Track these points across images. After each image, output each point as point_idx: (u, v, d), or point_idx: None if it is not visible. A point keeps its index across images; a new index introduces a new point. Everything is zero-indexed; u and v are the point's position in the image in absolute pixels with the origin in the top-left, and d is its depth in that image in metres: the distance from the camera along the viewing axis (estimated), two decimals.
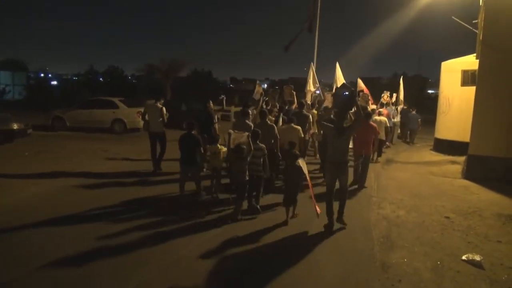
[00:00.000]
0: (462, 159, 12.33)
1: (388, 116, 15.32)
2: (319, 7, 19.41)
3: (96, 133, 17.51)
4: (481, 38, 11.08)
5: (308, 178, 6.83)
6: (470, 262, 5.44)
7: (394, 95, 19.78)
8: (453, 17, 14.91)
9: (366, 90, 16.51)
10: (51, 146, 13.64)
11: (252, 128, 8.20)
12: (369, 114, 9.98)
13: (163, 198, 8.11)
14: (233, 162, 7.16)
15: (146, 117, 10.63)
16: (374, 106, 16.33)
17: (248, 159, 7.02)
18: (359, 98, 13.73)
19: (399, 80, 21.39)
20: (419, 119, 18.66)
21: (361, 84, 17.44)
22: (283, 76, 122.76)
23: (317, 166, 11.33)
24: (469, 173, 10.83)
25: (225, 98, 15.08)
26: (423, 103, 29.07)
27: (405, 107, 19.90)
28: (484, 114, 10.76)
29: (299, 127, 9.17)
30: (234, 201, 7.14)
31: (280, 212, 7.25)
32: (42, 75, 54.21)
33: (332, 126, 6.67)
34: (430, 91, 64.65)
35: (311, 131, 11.51)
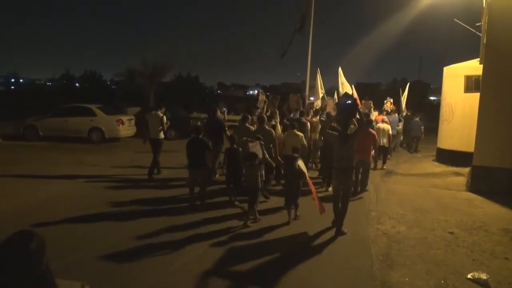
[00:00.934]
0: (466, 170, 12.43)
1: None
2: (312, 9, 19.66)
3: (72, 143, 17.40)
4: (485, 41, 11.21)
5: (307, 177, 7.66)
6: (476, 280, 5.47)
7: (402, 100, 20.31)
8: (455, 19, 15.11)
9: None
10: (22, 158, 13.52)
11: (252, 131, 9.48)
12: (370, 122, 10.74)
13: (171, 201, 9.01)
14: (246, 169, 7.97)
15: (149, 126, 11.53)
16: (376, 113, 16.89)
17: (262, 166, 7.90)
18: (362, 106, 14.80)
19: (399, 86, 21.65)
20: (422, 127, 18.89)
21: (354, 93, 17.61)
22: (275, 81, 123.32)
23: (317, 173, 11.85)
24: (474, 186, 10.91)
25: (226, 110, 15.27)
26: (425, 110, 29.29)
27: (408, 114, 20.24)
28: (489, 122, 10.84)
29: (301, 134, 10.06)
30: (248, 207, 7.75)
31: (283, 214, 7.95)
32: (13, 80, 53.90)
33: (336, 134, 7.37)
34: (431, 98, 65.37)
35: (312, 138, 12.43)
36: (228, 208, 8.48)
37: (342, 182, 7.36)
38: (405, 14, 22.93)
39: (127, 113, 21.51)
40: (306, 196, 8.66)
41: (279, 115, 11.74)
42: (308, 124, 12.12)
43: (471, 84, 14.28)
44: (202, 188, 8.78)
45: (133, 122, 19.40)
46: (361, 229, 7.60)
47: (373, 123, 13.66)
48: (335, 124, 8.46)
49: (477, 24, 13.64)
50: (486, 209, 9.27)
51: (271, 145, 9.37)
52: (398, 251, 6.49)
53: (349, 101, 7.67)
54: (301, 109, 13.79)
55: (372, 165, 11.71)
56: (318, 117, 13.31)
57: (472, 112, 12.03)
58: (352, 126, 8.49)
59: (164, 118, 11.50)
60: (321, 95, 16.62)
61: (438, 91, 38.73)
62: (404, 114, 20.05)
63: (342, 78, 16.34)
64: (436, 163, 15.54)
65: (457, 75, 15.02)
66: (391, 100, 18.71)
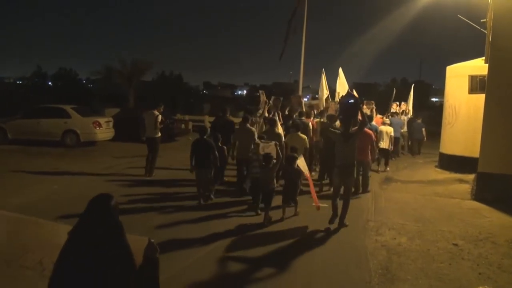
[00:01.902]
0: (471, 177, 12.51)
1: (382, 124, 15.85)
2: (306, 5, 19.79)
3: (44, 147, 17.21)
4: (490, 39, 11.30)
5: (307, 174, 8.83)
6: None
7: (403, 104, 20.83)
8: (458, 15, 15.21)
9: None
10: None
11: (253, 132, 10.35)
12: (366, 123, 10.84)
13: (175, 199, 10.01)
14: (261, 170, 8.83)
15: (145, 124, 12.47)
16: (379, 115, 17.46)
17: (276, 168, 8.79)
18: (364, 106, 15.96)
19: (399, 86, 22.01)
20: (424, 128, 19.10)
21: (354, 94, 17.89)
22: (265, 81, 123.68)
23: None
24: (479, 194, 10.94)
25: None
26: (427, 112, 29.61)
27: (411, 116, 20.59)
28: (495, 125, 10.89)
29: (305, 136, 10.99)
30: (264, 208, 8.59)
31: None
32: None
33: (339, 132, 8.40)
34: (433, 99, 65.96)
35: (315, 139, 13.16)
36: (232, 207, 9.48)
37: (343, 180, 8.24)
38: (406, 10, 23.07)
39: (105, 114, 21.38)
40: (306, 194, 9.56)
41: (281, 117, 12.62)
42: (310, 125, 12.76)
43: (476, 85, 14.33)
44: (205, 188, 9.78)
45: (111, 124, 19.26)
46: (358, 240, 7.61)
47: (373, 123, 14.07)
48: (337, 125, 9.71)
49: (481, 20, 13.73)
50: (493, 219, 9.30)
51: (279, 147, 9.93)
52: (399, 265, 6.49)
53: (352, 100, 8.58)
54: (302, 110, 14.42)
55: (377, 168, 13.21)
56: (319, 119, 13.81)
57: (477, 115, 12.12)
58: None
59: (160, 117, 12.45)
60: (325, 96, 16.91)
61: (440, 92, 38.98)
62: (409, 116, 20.52)
63: (342, 79, 16.85)
64: (439, 170, 15.60)
65: (461, 75, 15.09)
66: (396, 103, 19.39)
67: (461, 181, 13.18)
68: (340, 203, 8.31)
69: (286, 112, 14.50)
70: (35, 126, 17.90)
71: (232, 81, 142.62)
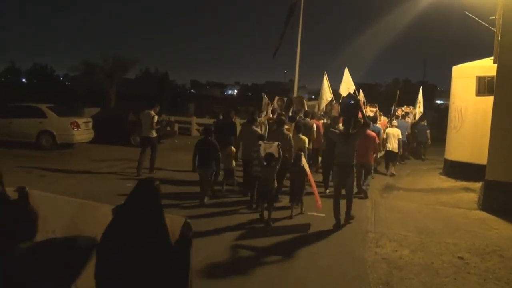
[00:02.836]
0: (478, 185, 12.56)
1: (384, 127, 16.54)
2: (302, 3, 19.89)
3: (17, 149, 17.05)
4: (499, 37, 11.37)
5: (309, 172, 9.58)
6: None
7: (405, 107, 21.57)
8: (465, 12, 15.30)
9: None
10: None
11: (258, 133, 11.18)
12: (368, 124, 11.52)
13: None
14: (262, 169, 9.54)
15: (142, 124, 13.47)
16: (385, 118, 18.41)
17: (277, 167, 9.44)
18: (368, 108, 17.10)
19: (401, 87, 22.31)
20: (428, 131, 19.34)
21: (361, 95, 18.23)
22: (257, 80, 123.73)
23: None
24: (487, 203, 10.98)
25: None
26: (431, 116, 29.92)
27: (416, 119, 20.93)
28: (504, 130, 10.93)
29: (305, 138, 11.67)
30: (266, 208, 9.29)
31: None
32: None
33: (339, 132, 9.35)
34: (438, 101, 66.25)
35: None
36: (235, 206, 10.40)
37: (342, 180, 9.06)
38: (409, 6, 23.15)
39: (84, 114, 21.27)
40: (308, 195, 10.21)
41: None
42: (314, 125, 13.39)
43: (484, 86, 14.38)
44: (205, 188, 10.49)
45: (90, 125, 19.15)
46: (357, 253, 7.61)
47: (376, 125, 14.53)
48: (340, 125, 10.58)
49: (490, 18, 13.80)
50: (501, 230, 9.35)
51: (287, 148, 10.51)
52: (400, 279, 6.51)
53: (352, 101, 9.67)
54: (306, 110, 15.13)
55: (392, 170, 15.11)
56: (323, 120, 14.64)
57: (485, 118, 12.16)
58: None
59: (156, 117, 13.30)
60: (329, 98, 17.52)
61: (445, 94, 39.13)
62: (417, 119, 20.99)
63: (348, 79, 17.42)
64: (444, 177, 15.65)
65: (467, 76, 15.16)
66: (402, 108, 20.16)
67: (467, 189, 13.23)
68: (343, 206, 9.12)
69: (290, 113, 15.06)
70: (7, 127, 17.72)
71: (222, 79, 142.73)
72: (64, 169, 13.77)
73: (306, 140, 11.71)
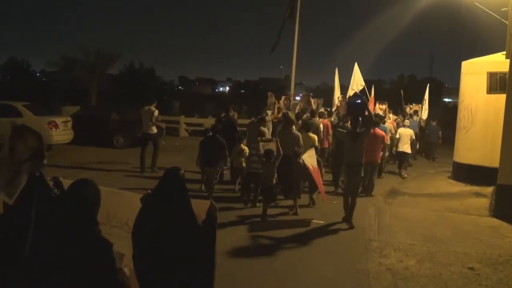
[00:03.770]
0: (489, 190, 12.57)
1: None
2: None
3: None
4: None
5: (310, 167, 10.24)
6: None
7: (414, 105, 21.78)
8: (475, 3, 15.32)
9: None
10: None
11: (264, 132, 12.02)
12: (376, 123, 12.63)
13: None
14: (262, 166, 10.36)
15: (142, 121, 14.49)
16: (394, 116, 19.03)
17: (277, 164, 10.24)
18: (377, 106, 17.88)
19: (407, 83, 22.59)
20: (440, 132, 19.57)
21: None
22: (251, 76, 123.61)
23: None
24: (499, 209, 10.97)
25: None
26: (439, 115, 30.17)
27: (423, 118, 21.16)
28: None
29: (315, 136, 12.44)
30: (263, 204, 10.21)
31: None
32: None
33: (345, 131, 10.20)
34: (446, 100, 66.50)
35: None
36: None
37: (351, 178, 9.76)
38: (413, 2, 23.10)
39: (62, 113, 21.18)
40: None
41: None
42: (321, 125, 14.19)
43: (496, 83, 14.34)
44: (210, 188, 11.10)
45: (69, 125, 19.05)
46: (359, 263, 7.61)
47: (386, 125, 15.86)
48: (347, 124, 11.41)
49: (502, 9, 13.81)
50: None
51: (296, 148, 11.09)
52: None
53: (359, 100, 10.21)
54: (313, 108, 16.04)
55: (403, 173, 16.23)
56: (331, 119, 15.50)
57: (497, 118, 12.18)
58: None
59: (156, 112, 14.35)
60: (339, 97, 17.94)
61: (454, 91, 39.34)
62: (425, 118, 21.30)
63: (358, 75, 17.76)
64: (452, 181, 15.64)
65: (478, 72, 15.12)
66: (410, 106, 20.62)
67: (478, 194, 13.24)
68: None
69: (296, 111, 15.67)
70: None
71: (213, 75, 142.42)
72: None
73: (316, 138, 12.43)
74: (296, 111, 15.74)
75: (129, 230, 4.39)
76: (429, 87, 22.24)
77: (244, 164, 11.92)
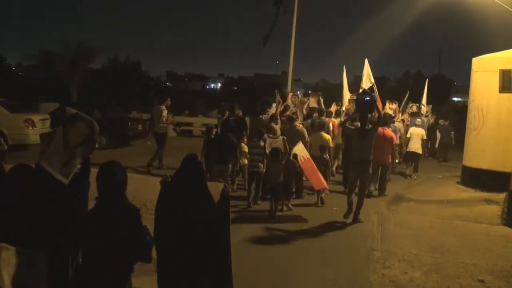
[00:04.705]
0: (501, 197, 12.54)
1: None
2: None
3: None
4: None
5: (302, 159, 11.24)
6: None
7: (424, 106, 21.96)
8: None
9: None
10: None
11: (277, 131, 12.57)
12: (386, 123, 13.21)
13: None
14: (269, 164, 11.14)
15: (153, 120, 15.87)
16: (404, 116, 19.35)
17: (283, 161, 10.98)
18: (387, 105, 18.38)
19: (413, 81, 22.69)
20: (452, 132, 19.80)
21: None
22: (244, 72, 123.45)
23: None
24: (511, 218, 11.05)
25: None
26: (447, 115, 30.35)
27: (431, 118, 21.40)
28: None
29: (328, 136, 13.38)
30: (271, 201, 10.97)
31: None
32: None
33: (356, 128, 10.88)
34: (455, 99, 66.61)
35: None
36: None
37: (359, 176, 10.45)
38: None
39: (40, 110, 21.10)
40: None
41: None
42: (330, 124, 14.97)
43: (509, 81, 14.33)
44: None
45: (47, 123, 18.96)
46: (360, 274, 7.62)
47: (396, 124, 16.43)
48: (356, 122, 11.82)
49: None
50: None
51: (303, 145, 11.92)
52: None
53: (368, 98, 10.89)
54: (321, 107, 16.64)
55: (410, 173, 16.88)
56: (339, 119, 15.75)
57: (510, 119, 12.22)
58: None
59: (165, 111, 15.51)
60: (349, 97, 18.38)
61: (464, 90, 39.35)
62: (428, 116, 21.50)
63: (368, 70, 18.23)
64: (461, 187, 15.63)
65: (490, 69, 15.10)
66: (417, 105, 20.71)
67: (489, 201, 13.24)
68: (355, 200, 10.51)
69: (304, 111, 16.60)
70: None
71: (203, 71, 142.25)
72: None
73: (330, 138, 13.43)
74: (304, 111, 16.58)
75: (147, 211, 5.19)
76: (429, 83, 22.35)
77: (246, 162, 12.64)
